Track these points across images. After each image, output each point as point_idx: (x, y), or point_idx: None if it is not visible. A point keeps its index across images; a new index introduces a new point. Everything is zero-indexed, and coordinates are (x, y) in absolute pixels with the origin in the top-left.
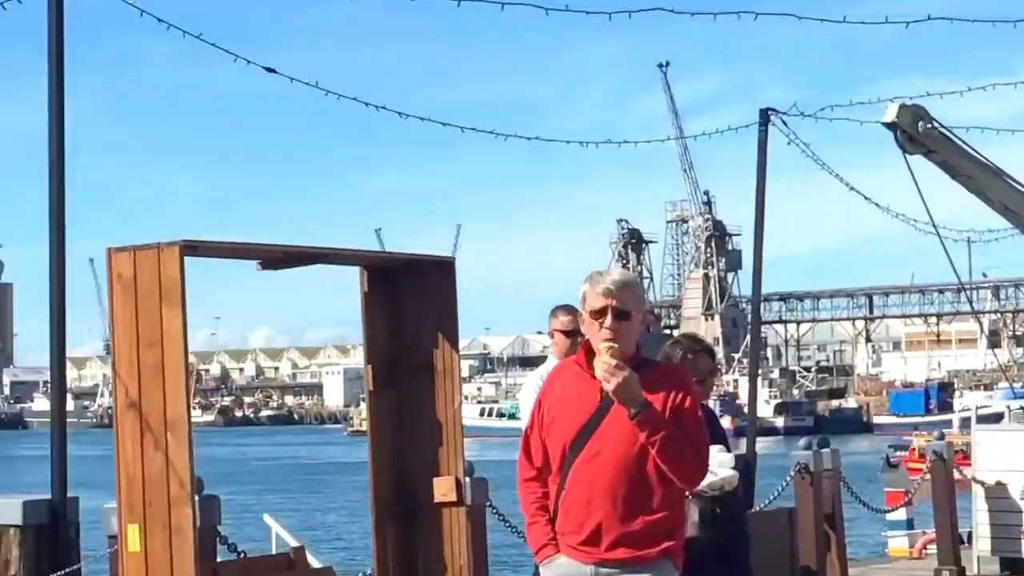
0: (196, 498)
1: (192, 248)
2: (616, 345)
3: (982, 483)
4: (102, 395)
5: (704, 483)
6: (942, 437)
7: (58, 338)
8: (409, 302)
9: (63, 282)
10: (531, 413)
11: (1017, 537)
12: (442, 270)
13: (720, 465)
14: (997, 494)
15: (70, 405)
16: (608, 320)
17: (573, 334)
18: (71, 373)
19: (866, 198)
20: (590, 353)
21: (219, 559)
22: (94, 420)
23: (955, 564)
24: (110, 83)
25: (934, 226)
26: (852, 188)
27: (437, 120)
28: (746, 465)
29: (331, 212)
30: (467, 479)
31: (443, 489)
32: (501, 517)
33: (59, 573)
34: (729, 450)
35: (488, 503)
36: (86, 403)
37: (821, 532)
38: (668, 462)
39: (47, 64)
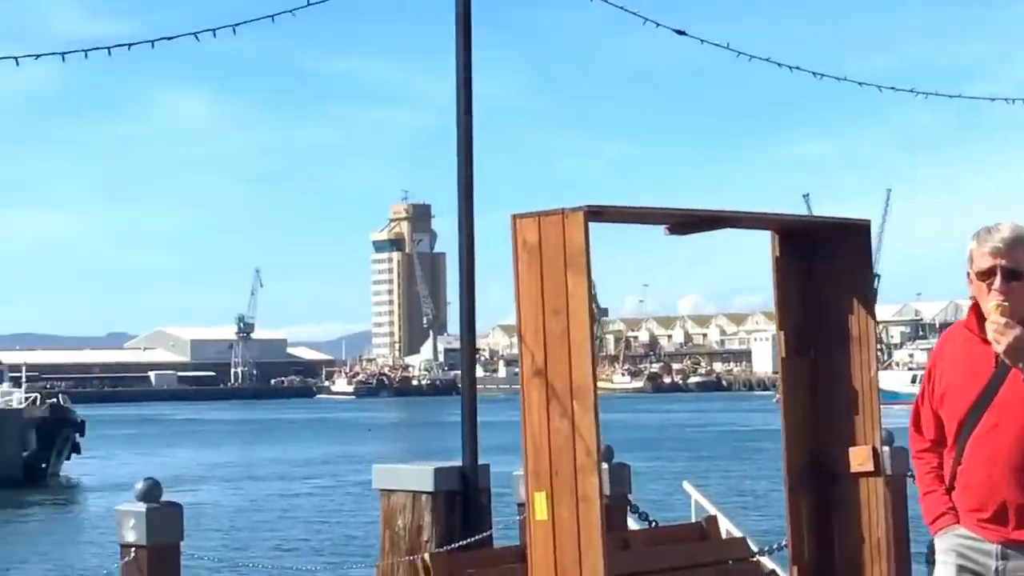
0: (605, 466)
1: (596, 213)
2: (1007, 303)
3: None
4: None
5: None
6: None
7: (468, 307)
8: (823, 266)
9: (472, 252)
10: (921, 384)
11: None
12: (857, 233)
13: None
14: None
15: (502, 372)
16: (997, 281)
17: None
18: (503, 340)
19: None
20: (980, 316)
21: (632, 527)
22: None
23: None
24: (538, 55)
25: None
26: None
27: (853, 80)
28: None
29: (754, 177)
30: (885, 448)
31: (859, 459)
32: None
33: (470, 539)
34: None
35: (908, 472)
36: (516, 370)
37: None
38: None
39: (455, 36)
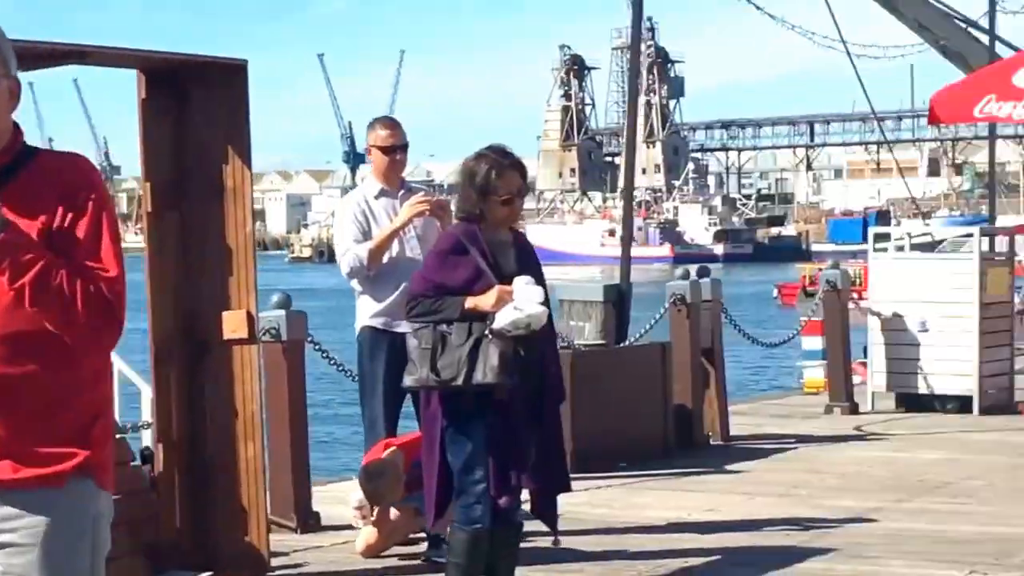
0: None
1: None
2: None
3: (878, 315)
4: None
5: (506, 321)
6: (836, 266)
7: None
8: (195, 111)
9: None
10: None
11: (914, 372)
12: (232, 74)
13: (528, 300)
14: (893, 326)
15: None
16: None
17: (393, 150)
18: None
19: (794, 27)
20: None
21: None
22: None
23: (847, 400)
24: None
25: (842, 41)
26: (783, 21)
27: None
28: (619, 294)
29: (278, 38)
30: (280, 312)
31: (232, 324)
32: (325, 354)
33: None
34: (542, 283)
35: (308, 337)
36: None
37: (698, 367)
38: (50, 315)
39: None
